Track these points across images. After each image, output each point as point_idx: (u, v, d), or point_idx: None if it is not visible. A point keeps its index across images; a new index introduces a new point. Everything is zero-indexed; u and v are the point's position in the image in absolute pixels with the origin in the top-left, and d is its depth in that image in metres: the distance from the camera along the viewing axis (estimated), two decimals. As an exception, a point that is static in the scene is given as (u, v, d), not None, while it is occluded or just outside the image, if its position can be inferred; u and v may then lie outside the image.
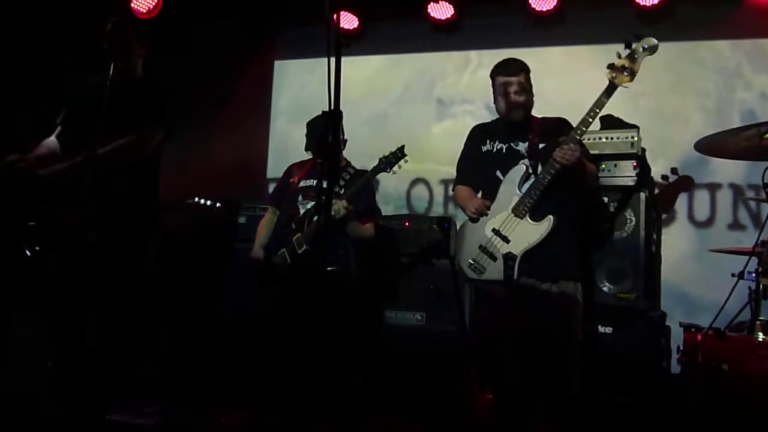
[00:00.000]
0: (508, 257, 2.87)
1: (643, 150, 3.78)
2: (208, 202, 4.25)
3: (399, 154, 3.32)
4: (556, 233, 2.86)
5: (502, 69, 3.10)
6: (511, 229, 2.90)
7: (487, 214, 3.00)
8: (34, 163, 2.82)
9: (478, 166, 3.17)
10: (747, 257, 2.99)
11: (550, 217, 2.85)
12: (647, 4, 4.32)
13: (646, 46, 2.79)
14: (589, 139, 3.57)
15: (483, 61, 4.71)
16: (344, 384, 3.19)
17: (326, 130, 2.22)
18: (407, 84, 5.09)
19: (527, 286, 2.87)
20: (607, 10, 4.47)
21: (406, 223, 4.09)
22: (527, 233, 2.87)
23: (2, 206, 2.81)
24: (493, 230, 2.94)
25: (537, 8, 4.52)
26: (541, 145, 3.01)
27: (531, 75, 3.10)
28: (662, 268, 4.06)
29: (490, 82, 3.14)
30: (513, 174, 2.99)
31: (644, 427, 3.23)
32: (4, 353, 2.88)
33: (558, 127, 3.05)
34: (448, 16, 4.77)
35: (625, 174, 3.67)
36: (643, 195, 3.64)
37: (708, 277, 3.96)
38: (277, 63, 5.50)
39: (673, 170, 4.17)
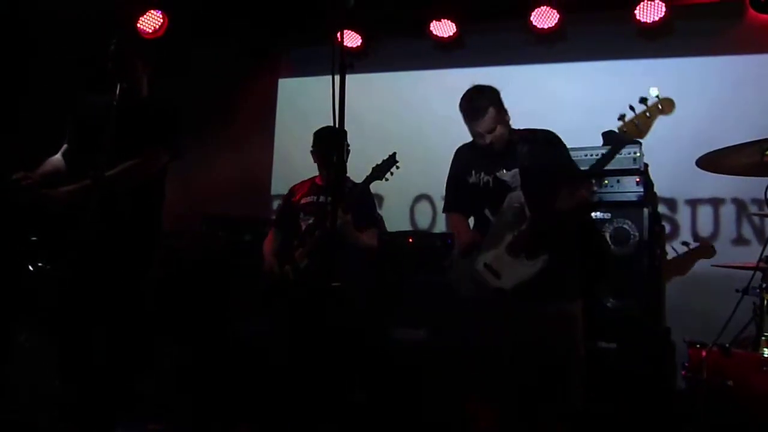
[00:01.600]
0: (499, 292, 2.85)
1: (646, 165, 3.79)
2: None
3: (391, 161, 3.37)
4: (552, 264, 2.82)
5: (465, 113, 3.01)
6: (503, 265, 2.88)
7: (478, 249, 2.98)
8: (38, 180, 2.84)
9: (466, 197, 3.15)
10: (751, 272, 2.98)
11: (545, 257, 2.81)
12: (648, 21, 4.36)
13: (662, 106, 2.69)
14: (591, 155, 3.58)
15: (485, 77, 4.73)
16: (347, 401, 3.18)
17: (331, 149, 2.24)
18: (409, 100, 5.11)
19: (525, 304, 2.85)
20: (608, 27, 4.50)
21: (409, 240, 4.09)
22: (520, 270, 2.85)
23: (7, 223, 2.83)
24: (485, 265, 2.92)
25: (538, 25, 4.55)
26: (528, 171, 2.93)
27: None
28: (666, 283, 4.05)
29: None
30: (504, 212, 2.93)
31: (649, 443, 3.21)
32: (11, 372, 2.88)
33: (544, 140, 3.01)
34: (451, 34, 4.80)
35: (628, 189, 3.68)
36: (646, 210, 3.63)
37: (712, 293, 3.94)
38: (281, 81, 5.54)
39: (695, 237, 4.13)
